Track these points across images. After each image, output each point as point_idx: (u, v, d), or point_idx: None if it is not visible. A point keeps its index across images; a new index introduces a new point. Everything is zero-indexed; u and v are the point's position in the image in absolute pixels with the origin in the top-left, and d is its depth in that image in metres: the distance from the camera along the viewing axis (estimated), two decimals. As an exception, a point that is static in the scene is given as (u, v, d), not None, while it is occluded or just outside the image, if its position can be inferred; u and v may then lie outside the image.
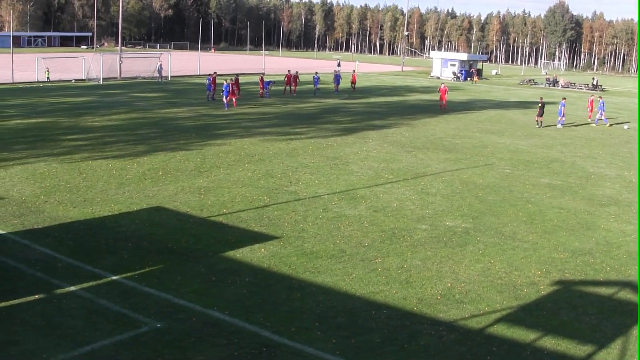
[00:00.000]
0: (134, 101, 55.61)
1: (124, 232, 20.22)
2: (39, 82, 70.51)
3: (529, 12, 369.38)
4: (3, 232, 19.79)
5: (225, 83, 54.17)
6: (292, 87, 67.42)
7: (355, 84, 75.21)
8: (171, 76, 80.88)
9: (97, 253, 18.30)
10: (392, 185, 28.38)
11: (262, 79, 65.63)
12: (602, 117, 55.20)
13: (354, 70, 79.64)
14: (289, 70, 70.04)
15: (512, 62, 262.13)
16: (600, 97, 59.58)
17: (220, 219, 22.19)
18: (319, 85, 68.68)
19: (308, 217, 22.93)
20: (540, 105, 51.29)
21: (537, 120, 51.30)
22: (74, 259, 17.75)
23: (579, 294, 17.51)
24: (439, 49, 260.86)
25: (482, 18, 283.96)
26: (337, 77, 72.82)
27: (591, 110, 57.43)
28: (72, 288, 15.90)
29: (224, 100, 53.11)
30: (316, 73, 71.34)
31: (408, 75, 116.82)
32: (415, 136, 42.60)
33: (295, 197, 25.55)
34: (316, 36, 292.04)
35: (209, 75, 61.15)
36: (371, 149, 36.92)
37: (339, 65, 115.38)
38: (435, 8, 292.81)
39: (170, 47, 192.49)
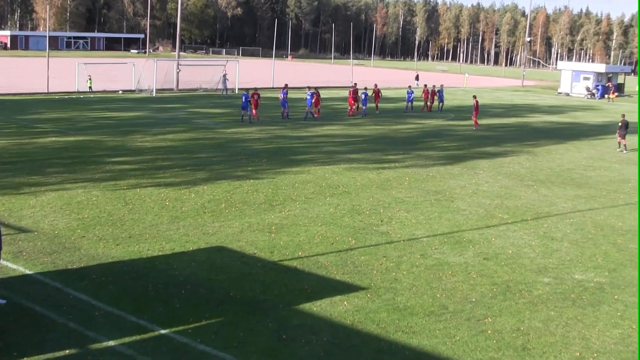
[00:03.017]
0: (193, 118, 56.49)
1: (177, 277, 20.43)
2: (79, 92, 72.36)
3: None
4: (30, 272, 20.17)
5: (244, 92, 56.28)
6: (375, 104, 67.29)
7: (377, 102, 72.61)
8: (239, 88, 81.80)
9: (144, 301, 18.50)
10: (507, 227, 28.08)
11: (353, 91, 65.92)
12: None
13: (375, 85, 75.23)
14: (355, 84, 70.28)
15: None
16: None
17: (294, 264, 22.24)
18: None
19: (402, 264, 22.81)
20: (620, 124, 50.62)
21: (619, 143, 50.61)
22: (115, 307, 17.98)
23: None
24: (569, 58, 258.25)
25: (626, 19, 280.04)
26: (410, 94, 72.40)
27: None
28: (112, 343, 16.10)
29: (244, 112, 55.87)
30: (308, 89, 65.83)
31: (530, 91, 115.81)
32: (537, 167, 42.12)
33: (387, 239, 25.49)
34: (416, 42, 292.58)
35: (283, 88, 61.56)
36: (482, 182, 36.65)
37: (417, 79, 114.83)
38: (566, 7, 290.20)
39: (238, 54, 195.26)
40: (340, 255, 23.37)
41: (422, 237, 26.08)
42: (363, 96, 65.15)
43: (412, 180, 36.08)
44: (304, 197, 31.04)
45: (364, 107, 64.77)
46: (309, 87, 63.43)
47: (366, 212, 29.05)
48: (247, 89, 60.36)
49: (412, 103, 72.60)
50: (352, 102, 65.13)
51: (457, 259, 23.70)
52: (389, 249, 24.41)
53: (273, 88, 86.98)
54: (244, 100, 55.53)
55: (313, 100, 60.71)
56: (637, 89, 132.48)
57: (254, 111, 56.42)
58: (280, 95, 60.27)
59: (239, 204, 29.30)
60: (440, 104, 73.17)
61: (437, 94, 73.36)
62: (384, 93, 73.40)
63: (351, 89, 67.06)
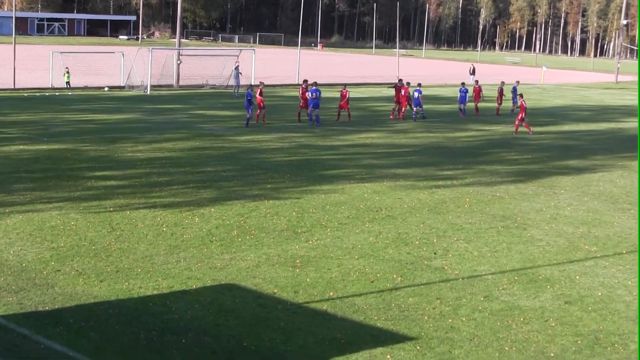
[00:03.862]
0: (197, 122, 56.69)
1: (177, 322, 20.47)
2: (53, 88, 72.71)
3: None
4: (-8, 315, 20.26)
5: (249, 90, 57.18)
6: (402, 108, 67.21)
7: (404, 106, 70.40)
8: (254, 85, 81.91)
9: (133, 351, 18.55)
10: (595, 263, 27.96)
11: (400, 89, 65.97)
12: None
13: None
14: (400, 80, 69.72)
15: None
16: None
17: (324, 307, 22.26)
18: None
19: (461, 309, 22.78)
20: None
21: None
22: (98, 359, 18.03)
23: None
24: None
25: None
26: (463, 94, 71.59)
27: None
28: (94, 404, 16.15)
29: (248, 114, 56.40)
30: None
31: (626, 89, 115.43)
32: (635, 185, 41.85)
33: (441, 277, 25.46)
34: (480, 27, 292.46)
35: (311, 85, 61.21)
36: (563, 205, 36.54)
37: (472, 72, 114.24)
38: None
39: (254, 41, 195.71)
40: (382, 296, 23.37)
41: (487, 274, 26.05)
42: (416, 94, 64.86)
43: (473, 202, 36.05)
44: (336, 223, 31.07)
45: (420, 109, 64.56)
46: (315, 84, 62.86)
47: (415, 242, 29.05)
48: (250, 86, 60.43)
49: (465, 105, 71.64)
50: (405, 102, 65.32)
51: (531, 303, 23.65)
52: (444, 288, 24.38)
53: (298, 85, 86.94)
54: (247, 100, 55.62)
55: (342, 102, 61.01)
56: None
57: (262, 112, 56.71)
58: (309, 94, 59.92)
59: (255, 230, 29.36)
60: (513, 105, 72.57)
61: (512, 93, 72.63)
62: (436, 92, 73.31)
63: (398, 85, 66.96)
